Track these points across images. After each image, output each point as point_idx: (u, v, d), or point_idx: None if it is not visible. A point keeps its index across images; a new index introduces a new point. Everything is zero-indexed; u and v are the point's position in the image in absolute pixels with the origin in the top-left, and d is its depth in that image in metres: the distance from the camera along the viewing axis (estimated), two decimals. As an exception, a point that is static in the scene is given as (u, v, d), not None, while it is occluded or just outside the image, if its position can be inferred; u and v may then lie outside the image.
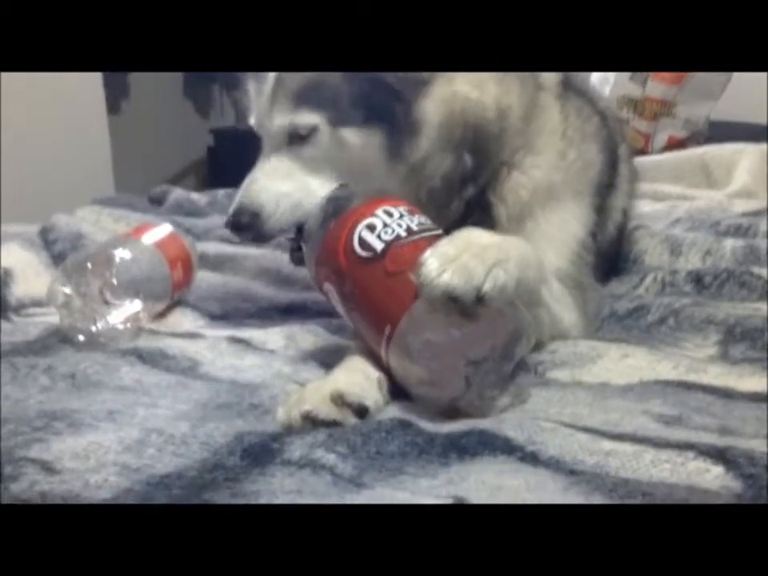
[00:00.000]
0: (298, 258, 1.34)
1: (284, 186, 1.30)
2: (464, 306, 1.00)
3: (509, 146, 1.32)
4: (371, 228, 1.11)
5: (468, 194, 1.32)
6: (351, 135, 1.27)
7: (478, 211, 1.32)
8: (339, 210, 1.16)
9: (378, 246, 1.10)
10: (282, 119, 1.29)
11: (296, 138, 1.29)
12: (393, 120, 1.26)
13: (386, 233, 1.10)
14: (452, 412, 1.03)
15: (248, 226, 1.31)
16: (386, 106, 1.26)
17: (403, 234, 1.10)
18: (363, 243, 1.10)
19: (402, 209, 1.14)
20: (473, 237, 1.07)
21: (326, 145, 1.28)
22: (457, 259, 1.01)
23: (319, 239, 1.16)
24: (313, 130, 1.28)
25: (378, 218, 1.12)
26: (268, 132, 1.32)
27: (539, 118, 1.35)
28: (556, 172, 1.35)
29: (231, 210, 1.33)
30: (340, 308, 1.15)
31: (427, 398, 1.06)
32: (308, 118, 1.27)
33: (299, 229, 1.30)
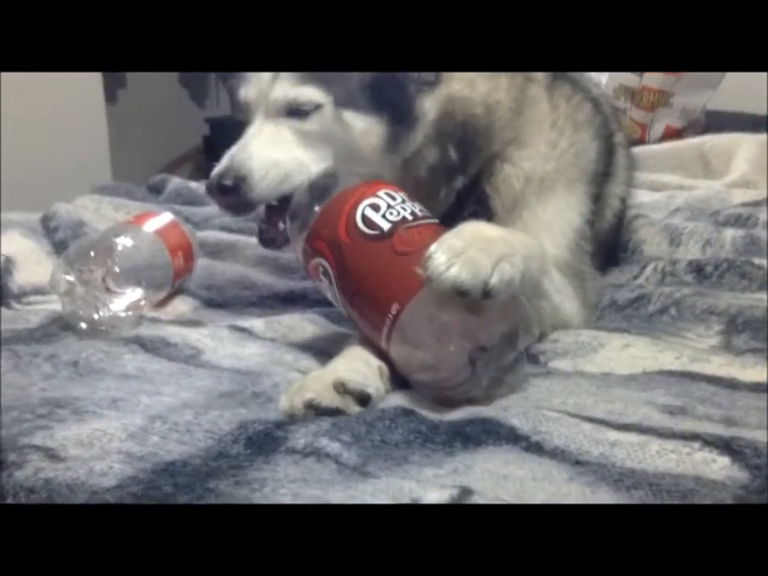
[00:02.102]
0: (268, 239, 1.33)
1: (276, 154, 1.28)
2: (471, 300, 1.00)
3: (498, 138, 1.33)
4: (375, 208, 1.12)
5: (458, 184, 1.32)
6: (354, 119, 1.27)
7: (473, 202, 1.33)
8: (329, 189, 1.16)
9: (385, 225, 1.10)
10: (286, 90, 1.27)
11: (296, 112, 1.28)
12: (396, 112, 1.27)
13: (391, 214, 1.11)
14: (449, 400, 1.04)
15: (232, 189, 1.26)
16: (392, 98, 1.26)
17: (409, 217, 1.11)
18: (367, 221, 1.11)
19: (402, 194, 1.15)
20: (479, 230, 1.08)
21: (327, 124, 1.27)
22: (464, 253, 1.01)
23: (310, 215, 1.16)
24: (317, 106, 1.26)
25: (382, 199, 1.13)
26: (267, 100, 1.29)
27: (529, 109, 1.36)
28: (547, 162, 1.35)
29: (216, 171, 1.28)
30: (331, 283, 1.14)
31: (427, 384, 1.07)
32: (314, 94, 1.26)
33: (270, 207, 1.29)
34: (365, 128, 1.27)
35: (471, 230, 1.07)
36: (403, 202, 1.13)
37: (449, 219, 1.21)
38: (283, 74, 1.27)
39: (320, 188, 1.19)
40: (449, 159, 1.31)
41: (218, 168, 1.28)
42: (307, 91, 1.26)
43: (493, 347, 1.03)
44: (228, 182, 1.26)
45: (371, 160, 1.28)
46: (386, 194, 1.14)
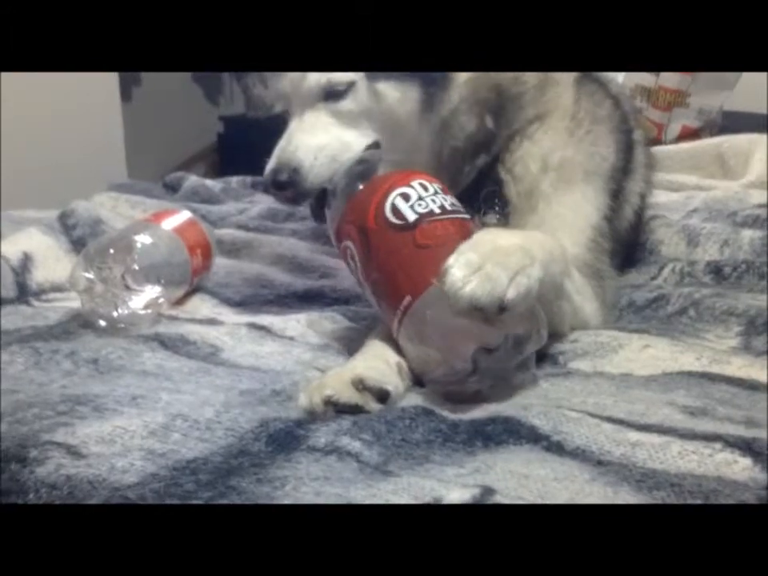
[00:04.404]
0: (320, 215, 1.34)
1: (320, 139, 1.30)
2: (487, 314, 1.00)
3: (523, 114, 1.34)
4: (405, 197, 1.12)
5: (480, 161, 1.34)
6: (389, 89, 1.28)
7: (490, 183, 1.34)
8: (368, 172, 1.19)
9: (411, 216, 1.11)
10: (318, 75, 1.29)
11: (332, 94, 1.29)
12: (427, 74, 1.28)
13: (419, 205, 1.11)
14: (457, 396, 1.04)
15: (288, 183, 1.29)
16: None
17: (437, 210, 1.11)
18: (395, 210, 1.12)
19: (436, 185, 1.15)
20: (497, 241, 1.07)
21: (363, 99, 1.29)
22: (480, 269, 1.00)
23: (346, 197, 1.17)
24: (350, 85, 1.28)
25: (414, 189, 1.13)
26: (301, 89, 1.31)
27: (552, 90, 1.37)
28: (565, 147, 1.36)
29: (269, 168, 1.31)
30: (356, 267, 1.16)
31: (429, 377, 1.08)
32: (346, 73, 1.28)
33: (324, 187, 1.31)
34: (399, 96, 1.28)
35: (489, 241, 1.06)
36: (435, 193, 1.13)
37: (467, 197, 1.25)
38: None
39: (360, 168, 1.20)
40: (485, 128, 1.32)
41: (269, 165, 1.31)
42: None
43: (498, 349, 1.03)
44: (283, 177, 1.29)
45: (410, 126, 1.30)
46: (420, 184, 1.14)
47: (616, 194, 1.43)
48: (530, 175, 1.34)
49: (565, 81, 1.39)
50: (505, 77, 1.32)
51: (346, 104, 1.29)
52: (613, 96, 1.48)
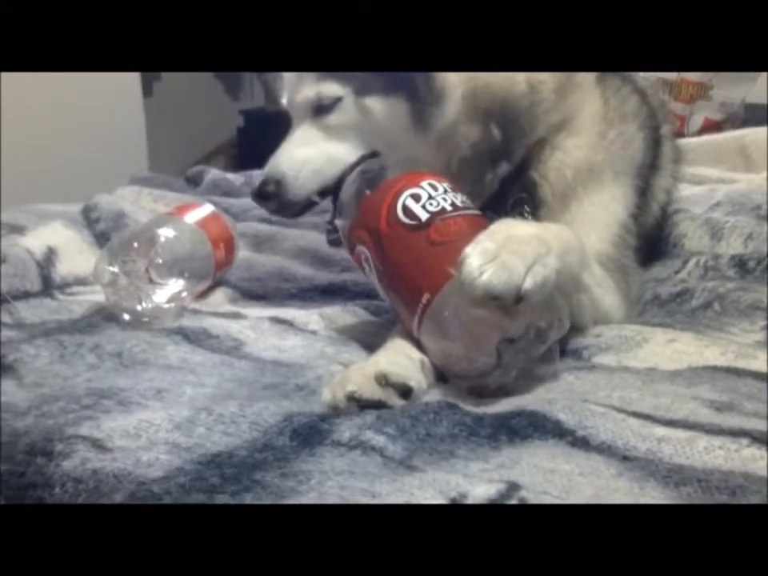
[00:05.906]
0: (335, 241, 1.35)
1: (305, 152, 1.32)
2: (505, 304, 1.00)
3: (543, 121, 1.31)
4: (416, 198, 1.13)
5: (502, 171, 1.31)
6: (375, 104, 1.28)
7: (518, 190, 1.32)
8: (374, 181, 1.18)
9: (423, 215, 1.11)
10: (308, 90, 1.31)
11: (321, 108, 1.31)
12: (414, 88, 1.26)
13: (431, 204, 1.12)
14: (481, 390, 1.04)
15: (272, 194, 1.33)
16: (407, 75, 1.26)
17: (449, 207, 1.12)
18: (407, 211, 1.12)
19: (445, 185, 1.16)
20: (512, 230, 1.07)
21: (350, 114, 1.29)
22: (497, 258, 1.00)
23: (355, 206, 1.18)
24: (337, 99, 1.29)
25: (423, 189, 1.14)
26: (294, 104, 1.34)
27: (575, 93, 1.34)
28: (598, 152, 1.34)
29: (258, 182, 1.35)
30: (371, 270, 1.16)
31: (456, 373, 1.07)
32: (332, 88, 1.29)
33: (335, 210, 1.30)
34: (386, 110, 1.28)
35: (504, 231, 1.06)
36: (445, 192, 1.14)
37: (493, 206, 1.24)
38: (305, 76, 1.31)
39: (367, 176, 1.20)
40: (492, 138, 1.30)
41: (260, 177, 1.35)
42: (325, 86, 1.29)
43: (520, 339, 1.03)
44: (268, 189, 1.33)
45: (402, 141, 1.29)
46: (429, 184, 1.14)
47: (643, 191, 1.42)
48: (566, 181, 1.32)
49: (587, 82, 1.36)
50: (512, 91, 1.29)
51: (333, 118, 1.30)
52: (639, 91, 1.46)
